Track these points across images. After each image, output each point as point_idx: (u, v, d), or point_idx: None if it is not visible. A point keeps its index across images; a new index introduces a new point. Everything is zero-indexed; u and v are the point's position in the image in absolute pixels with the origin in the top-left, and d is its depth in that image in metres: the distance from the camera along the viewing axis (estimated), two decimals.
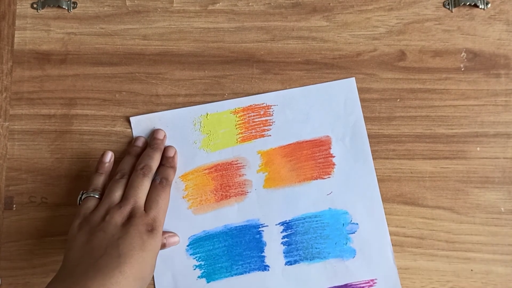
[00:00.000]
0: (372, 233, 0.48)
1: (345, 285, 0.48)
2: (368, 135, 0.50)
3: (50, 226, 0.49)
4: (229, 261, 0.48)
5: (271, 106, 0.50)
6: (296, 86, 0.51)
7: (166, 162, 0.48)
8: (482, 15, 0.52)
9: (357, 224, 0.49)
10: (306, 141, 0.50)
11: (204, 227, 0.49)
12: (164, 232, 0.47)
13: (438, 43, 0.51)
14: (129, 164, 0.47)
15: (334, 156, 0.50)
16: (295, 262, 0.48)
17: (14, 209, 0.49)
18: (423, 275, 0.48)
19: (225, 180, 0.49)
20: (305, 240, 0.48)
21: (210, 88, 0.51)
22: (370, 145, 0.50)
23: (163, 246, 0.47)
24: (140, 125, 0.50)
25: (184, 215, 0.49)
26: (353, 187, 0.49)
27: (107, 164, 0.48)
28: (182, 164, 0.49)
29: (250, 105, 0.50)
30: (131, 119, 0.50)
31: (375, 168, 0.49)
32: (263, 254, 0.48)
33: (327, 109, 0.50)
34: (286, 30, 0.52)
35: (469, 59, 0.51)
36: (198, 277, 0.48)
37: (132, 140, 0.50)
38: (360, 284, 0.48)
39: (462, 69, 0.51)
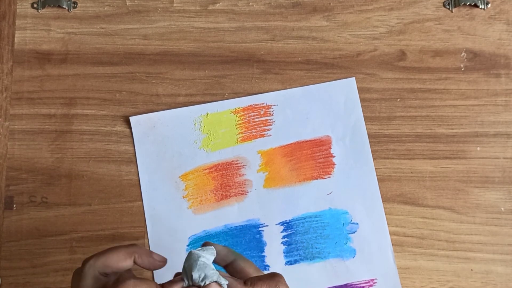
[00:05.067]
0: (372, 233, 0.48)
1: (345, 285, 0.48)
2: (368, 135, 0.50)
3: (50, 226, 0.49)
4: None
5: (271, 106, 0.50)
6: (296, 86, 0.51)
7: None
8: (482, 15, 0.52)
9: (357, 224, 0.49)
10: (306, 141, 0.50)
11: (204, 227, 0.49)
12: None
13: (438, 43, 0.51)
14: None
15: (334, 156, 0.50)
16: (295, 262, 0.48)
17: (14, 209, 0.49)
18: (423, 275, 0.48)
19: (225, 180, 0.49)
20: (305, 240, 0.48)
21: (210, 88, 0.51)
22: (370, 145, 0.50)
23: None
24: (140, 124, 0.50)
25: (184, 215, 0.49)
26: (353, 187, 0.49)
27: None
28: (182, 164, 0.49)
29: (250, 105, 0.50)
30: (131, 118, 0.50)
31: (375, 168, 0.49)
32: (263, 254, 0.48)
33: (327, 109, 0.50)
34: (286, 30, 0.52)
35: (469, 59, 0.51)
36: None
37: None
38: (360, 284, 0.48)
39: (462, 69, 0.51)
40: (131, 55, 0.51)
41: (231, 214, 0.49)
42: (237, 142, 0.50)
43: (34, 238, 0.48)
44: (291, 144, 0.50)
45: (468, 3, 0.52)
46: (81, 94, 0.51)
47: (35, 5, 0.52)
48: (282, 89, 0.51)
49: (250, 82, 0.51)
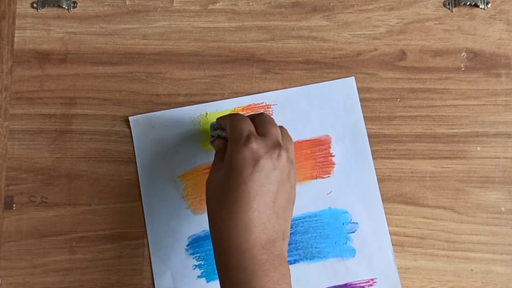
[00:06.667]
0: (372, 232, 0.48)
1: (345, 284, 0.48)
2: (368, 135, 0.50)
3: (50, 226, 0.49)
4: None
5: (271, 105, 0.50)
6: (296, 86, 0.51)
7: None
8: (482, 15, 0.52)
9: (357, 223, 0.48)
10: (306, 141, 0.50)
11: (204, 227, 0.48)
12: None
13: (438, 42, 0.51)
14: None
15: (334, 156, 0.49)
16: (295, 261, 0.48)
17: (14, 209, 0.49)
18: (423, 274, 0.48)
19: None
20: (305, 239, 0.48)
21: (210, 88, 0.51)
22: (370, 145, 0.50)
23: None
24: (140, 124, 0.50)
25: (183, 214, 0.49)
26: (353, 186, 0.49)
27: None
28: (181, 164, 0.49)
29: (250, 105, 0.50)
30: (130, 118, 0.50)
31: (375, 168, 0.49)
32: None
33: (327, 108, 0.50)
34: (286, 29, 0.52)
35: (470, 58, 0.51)
36: (198, 276, 0.48)
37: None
38: (360, 283, 0.48)
39: (463, 69, 0.51)
40: (131, 55, 0.51)
41: None
42: None
43: (34, 238, 0.48)
44: None
45: (468, 3, 0.52)
46: (81, 94, 0.51)
47: (34, 5, 0.52)
48: (282, 89, 0.51)
49: (250, 82, 0.51)
